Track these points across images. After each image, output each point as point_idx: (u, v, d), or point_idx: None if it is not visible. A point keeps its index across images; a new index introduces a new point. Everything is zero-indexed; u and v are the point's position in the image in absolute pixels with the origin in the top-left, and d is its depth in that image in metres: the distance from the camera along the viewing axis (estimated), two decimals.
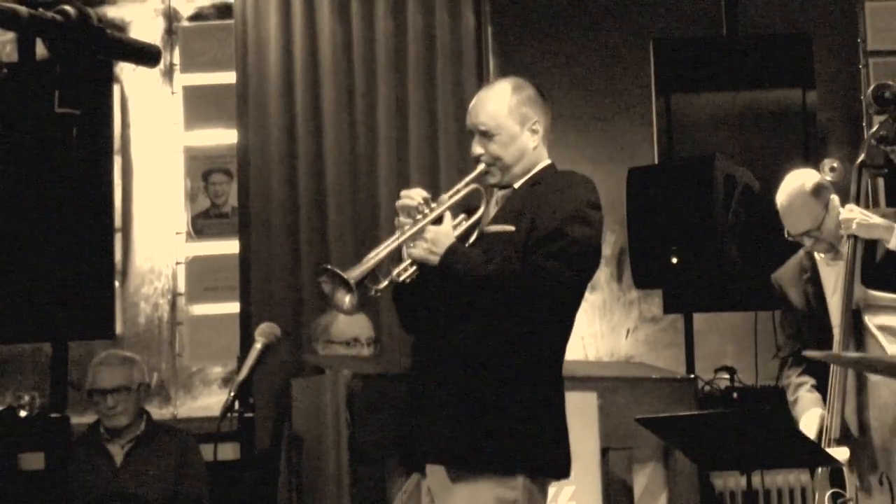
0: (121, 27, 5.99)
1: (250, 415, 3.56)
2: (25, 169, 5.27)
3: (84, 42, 1.68)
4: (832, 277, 4.15)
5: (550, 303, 3.11)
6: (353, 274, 3.05)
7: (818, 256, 4.22)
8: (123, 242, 5.95)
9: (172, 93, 6.05)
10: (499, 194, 3.32)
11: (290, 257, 5.67)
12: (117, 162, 5.94)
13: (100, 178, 5.71)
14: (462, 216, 3.28)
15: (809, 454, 3.85)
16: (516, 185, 3.28)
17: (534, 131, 3.27)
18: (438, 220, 3.17)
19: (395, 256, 3.20)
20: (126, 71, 5.98)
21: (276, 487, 4.53)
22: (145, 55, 1.83)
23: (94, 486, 4.74)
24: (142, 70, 5.61)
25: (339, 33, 5.80)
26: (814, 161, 5.03)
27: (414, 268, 3.16)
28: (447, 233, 3.15)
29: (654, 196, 5.49)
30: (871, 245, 4.03)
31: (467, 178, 3.26)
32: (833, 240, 4.12)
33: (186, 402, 5.90)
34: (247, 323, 5.53)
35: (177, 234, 6.00)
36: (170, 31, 6.08)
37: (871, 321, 3.83)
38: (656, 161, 5.86)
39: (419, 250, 3.13)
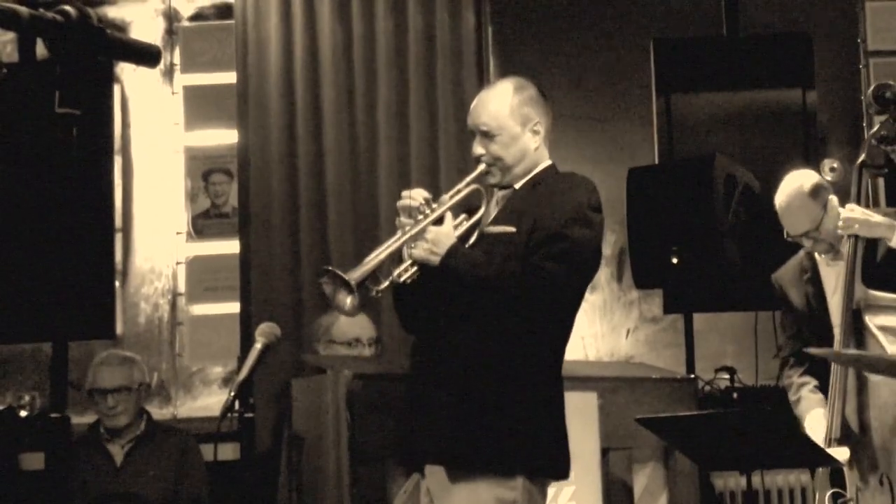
0: (121, 27, 5.99)
1: (250, 415, 3.55)
2: (25, 169, 5.27)
3: (84, 42, 1.68)
4: (832, 277, 4.15)
5: (550, 304, 3.11)
6: (354, 275, 3.05)
7: (818, 257, 4.22)
8: (124, 242, 5.95)
9: (173, 93, 6.05)
10: (499, 194, 3.32)
11: (290, 257, 5.67)
12: (118, 162, 5.94)
13: (100, 178, 5.71)
14: (463, 216, 3.28)
15: (809, 454, 3.85)
16: (517, 186, 3.27)
17: (535, 132, 3.27)
18: (439, 221, 3.17)
19: (396, 257, 3.20)
20: (126, 71, 5.98)
21: (277, 487, 4.54)
22: (146, 55, 1.82)
23: (94, 486, 4.74)
24: (142, 70, 5.61)
25: (339, 33, 5.80)
26: (814, 161, 5.03)
27: (415, 268, 3.16)
28: (448, 233, 3.15)
29: (654, 196, 5.49)
30: (871, 245, 4.03)
31: (468, 179, 3.26)
32: (832, 240, 4.12)
33: (186, 402, 5.90)
34: (247, 323, 5.53)
35: (177, 234, 6.00)
36: (170, 32, 6.08)
37: (872, 321, 3.83)
38: (656, 161, 5.86)
39: (420, 251, 3.13)
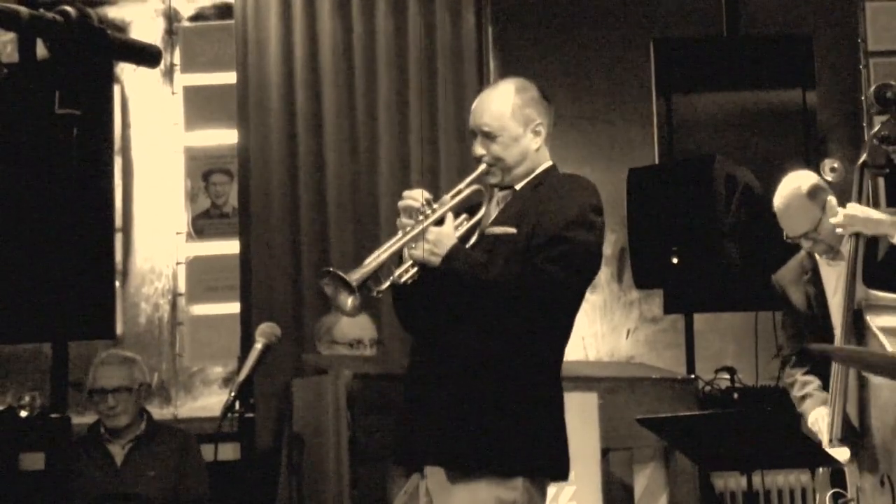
0: (121, 28, 5.99)
1: (251, 415, 3.56)
2: (26, 169, 5.28)
3: (84, 42, 1.68)
4: (833, 278, 4.15)
5: (550, 306, 3.11)
6: (355, 276, 3.04)
7: (819, 257, 4.22)
8: (124, 242, 5.96)
9: (173, 93, 6.05)
10: (499, 195, 3.31)
11: (290, 257, 5.67)
12: (118, 162, 5.94)
13: (100, 178, 5.71)
14: (464, 216, 3.27)
15: (809, 454, 3.85)
16: (518, 187, 3.27)
17: (536, 133, 3.27)
18: (440, 222, 3.17)
19: (397, 257, 3.20)
20: (126, 71, 5.98)
21: (277, 487, 4.53)
22: (146, 56, 1.82)
23: (94, 486, 4.74)
24: (142, 70, 5.61)
25: (339, 33, 5.80)
26: (814, 161, 5.03)
27: (415, 269, 3.15)
28: (449, 234, 3.15)
29: (654, 196, 5.49)
30: (871, 244, 4.02)
31: (469, 179, 3.26)
32: (831, 241, 4.12)
33: (187, 403, 5.91)
34: (247, 323, 5.53)
35: (177, 234, 6.00)
36: (170, 32, 6.08)
37: (874, 322, 3.83)
38: (656, 161, 5.86)
39: (421, 252, 3.13)
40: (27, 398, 5.56)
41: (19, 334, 5.62)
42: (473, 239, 3.23)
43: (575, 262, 3.12)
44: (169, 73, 6.04)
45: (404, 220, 3.18)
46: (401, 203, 3.22)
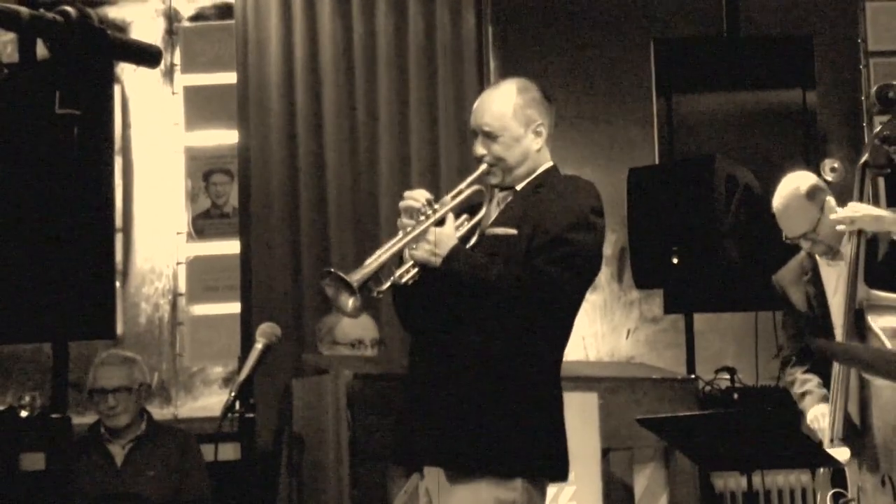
0: (121, 28, 5.99)
1: (251, 415, 3.55)
2: (26, 169, 5.27)
3: (85, 43, 1.68)
4: (833, 278, 4.15)
5: (551, 308, 3.11)
6: (356, 277, 3.04)
7: (819, 257, 4.22)
8: (124, 242, 5.96)
9: (173, 93, 6.05)
10: (500, 195, 3.31)
11: (290, 257, 5.67)
12: (118, 162, 5.94)
13: (101, 178, 5.71)
14: (464, 217, 3.27)
15: (809, 454, 3.85)
16: (518, 188, 3.27)
17: (538, 133, 3.27)
18: (441, 222, 3.17)
19: (397, 258, 3.20)
20: (127, 71, 5.98)
21: (277, 488, 4.53)
22: (146, 56, 1.82)
23: (94, 486, 4.74)
24: (142, 70, 5.61)
25: (339, 33, 5.80)
26: (814, 161, 5.04)
27: (416, 269, 3.15)
28: (450, 235, 3.15)
29: (654, 196, 5.49)
30: (871, 244, 4.03)
31: (469, 179, 3.26)
32: (831, 241, 4.12)
33: (187, 403, 5.91)
34: (247, 323, 5.53)
35: (177, 234, 6.00)
36: (170, 32, 6.08)
37: (875, 322, 3.83)
38: (657, 161, 5.86)
39: (421, 252, 3.13)
40: (27, 398, 5.56)
41: (19, 334, 5.61)
42: (474, 239, 3.23)
43: (575, 264, 3.12)
44: (169, 73, 6.04)
45: (405, 220, 3.18)
46: (402, 203, 3.22)
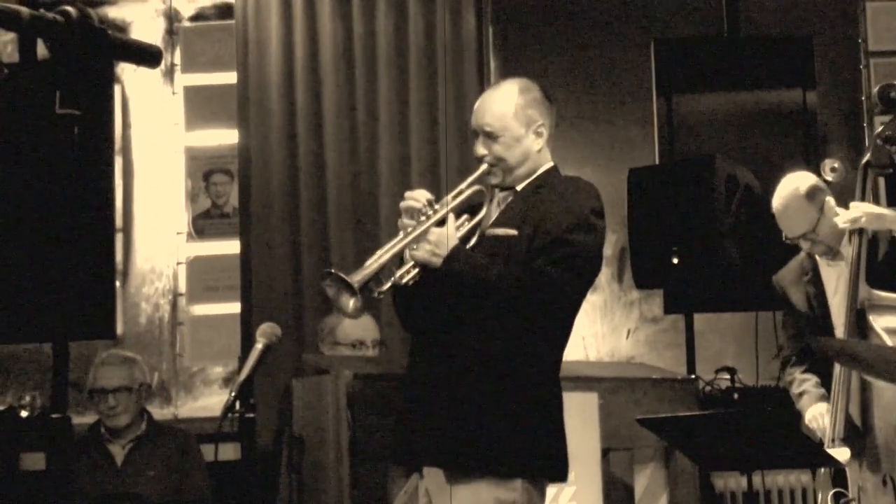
0: (122, 28, 5.99)
1: (251, 415, 3.55)
2: (26, 169, 5.27)
3: (85, 43, 1.68)
4: (833, 278, 4.15)
5: (551, 308, 3.11)
6: (357, 278, 3.04)
7: (819, 258, 4.22)
8: (124, 242, 5.96)
9: (173, 93, 6.05)
10: (500, 195, 3.31)
11: (290, 257, 5.67)
12: (118, 162, 5.94)
13: (101, 178, 5.71)
14: (465, 217, 3.27)
15: (809, 454, 3.85)
16: (519, 188, 3.27)
17: (538, 134, 3.26)
18: (442, 223, 3.16)
19: (398, 258, 3.19)
20: (127, 71, 5.98)
21: (277, 488, 4.53)
22: (146, 56, 1.82)
23: (94, 486, 4.74)
24: (143, 70, 5.61)
25: (339, 33, 5.80)
26: (814, 161, 5.04)
27: (416, 270, 3.15)
28: (451, 235, 3.15)
29: (654, 196, 5.49)
30: (872, 244, 4.03)
31: (470, 179, 3.26)
32: (830, 241, 4.12)
33: (187, 403, 5.91)
34: (248, 323, 5.53)
35: (178, 234, 6.00)
36: (171, 32, 6.08)
37: (876, 322, 3.83)
38: (657, 161, 5.86)
39: (422, 252, 3.13)
40: (27, 398, 5.56)
41: (19, 334, 5.61)
42: (474, 240, 3.23)
43: (576, 265, 3.12)
44: (169, 73, 6.04)
45: (406, 220, 3.18)
46: (402, 203, 3.22)
